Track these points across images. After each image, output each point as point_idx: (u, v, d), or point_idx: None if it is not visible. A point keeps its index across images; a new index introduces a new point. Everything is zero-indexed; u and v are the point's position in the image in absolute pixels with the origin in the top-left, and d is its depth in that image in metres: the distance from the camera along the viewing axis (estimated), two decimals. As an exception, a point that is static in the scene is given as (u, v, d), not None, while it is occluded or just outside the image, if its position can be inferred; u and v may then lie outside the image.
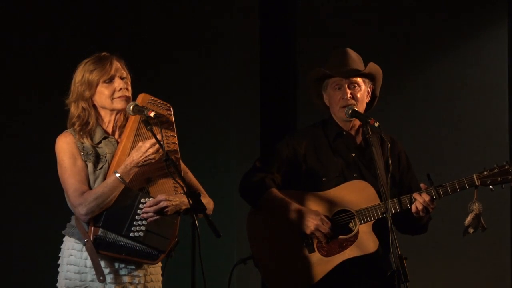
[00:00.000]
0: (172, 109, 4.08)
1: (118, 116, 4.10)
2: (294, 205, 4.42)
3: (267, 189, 4.45)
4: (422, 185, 4.43)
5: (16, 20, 5.89)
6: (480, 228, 4.42)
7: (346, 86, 4.49)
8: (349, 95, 4.47)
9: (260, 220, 4.51)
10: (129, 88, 4.09)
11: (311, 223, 4.37)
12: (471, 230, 4.44)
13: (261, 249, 4.48)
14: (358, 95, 4.50)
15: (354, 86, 4.51)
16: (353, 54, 4.56)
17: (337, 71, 4.50)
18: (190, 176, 4.22)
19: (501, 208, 6.48)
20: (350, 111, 4.44)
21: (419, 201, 4.37)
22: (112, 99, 4.04)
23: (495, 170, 4.38)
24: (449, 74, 6.62)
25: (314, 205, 4.44)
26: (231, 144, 6.26)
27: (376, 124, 4.30)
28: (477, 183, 4.37)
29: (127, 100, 4.05)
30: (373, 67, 4.54)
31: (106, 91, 4.04)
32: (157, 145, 3.93)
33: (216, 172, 6.09)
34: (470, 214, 4.41)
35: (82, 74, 4.04)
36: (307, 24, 6.51)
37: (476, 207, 4.40)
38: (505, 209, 6.56)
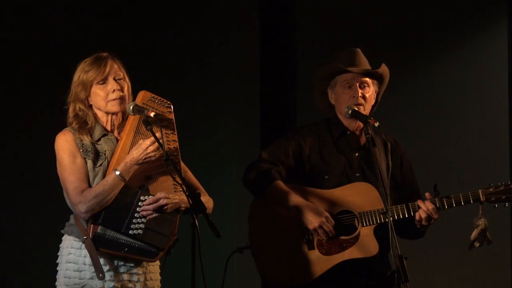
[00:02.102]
0: (172, 106, 4.08)
1: (114, 116, 4.09)
2: (300, 200, 4.41)
3: (273, 181, 4.45)
4: (427, 194, 4.43)
5: (17, 19, 5.89)
6: (486, 242, 4.43)
7: (357, 85, 4.49)
8: (360, 94, 4.47)
9: (262, 213, 4.51)
10: (125, 88, 4.07)
11: (315, 220, 4.37)
12: (476, 244, 4.45)
13: (260, 239, 4.47)
14: (367, 96, 4.50)
15: (364, 86, 4.50)
16: (362, 55, 4.56)
17: (354, 68, 4.49)
18: (190, 175, 4.22)
19: (501, 207, 6.47)
20: (350, 111, 4.44)
21: (423, 209, 4.37)
22: (107, 101, 4.03)
23: (501, 188, 4.39)
24: (449, 74, 6.62)
25: (317, 203, 4.44)
26: (231, 143, 6.26)
27: (376, 124, 4.30)
28: (482, 199, 4.38)
29: (121, 101, 4.04)
30: (385, 69, 4.55)
31: (101, 93, 4.03)
32: (157, 143, 3.92)
33: (216, 171, 6.08)
34: (476, 229, 4.42)
35: (79, 74, 4.04)
36: (307, 24, 6.51)
37: (481, 222, 4.41)
38: (505, 209, 6.55)
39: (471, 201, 4.38)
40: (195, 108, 6.11)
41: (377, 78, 4.55)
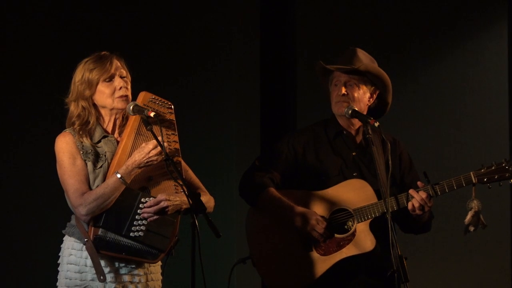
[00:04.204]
0: (173, 107, 4.07)
1: (118, 115, 4.08)
2: (291, 205, 4.42)
3: (265, 188, 4.46)
4: (419, 183, 4.44)
5: (16, 19, 5.89)
6: (480, 225, 4.42)
7: (343, 83, 4.50)
8: (343, 92, 4.48)
9: (258, 219, 4.52)
10: (129, 87, 4.08)
11: (306, 224, 4.38)
12: (471, 228, 4.44)
13: (259, 248, 4.49)
14: (355, 95, 4.50)
15: (352, 86, 4.51)
16: (361, 55, 4.55)
17: (332, 66, 4.51)
18: (191, 174, 4.21)
19: (501, 207, 6.48)
20: (350, 111, 4.45)
21: (416, 198, 4.37)
22: (113, 98, 4.03)
23: (493, 168, 4.39)
24: (449, 74, 6.62)
25: (312, 204, 4.45)
26: (232, 143, 6.26)
27: (376, 124, 4.30)
28: (474, 181, 4.37)
29: (127, 99, 4.04)
30: (370, 67, 4.53)
31: (107, 90, 4.02)
32: (159, 147, 3.91)
33: (216, 171, 6.09)
34: (469, 212, 4.41)
35: (82, 73, 4.02)
36: (307, 24, 6.51)
37: (474, 204, 4.40)
38: (505, 208, 6.56)
39: (464, 184, 4.37)
40: (195, 111, 6.11)
41: (370, 77, 4.54)
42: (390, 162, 4.33)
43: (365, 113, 4.52)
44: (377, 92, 4.58)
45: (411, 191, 4.39)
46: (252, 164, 4.59)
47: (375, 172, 4.28)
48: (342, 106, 4.47)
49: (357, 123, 4.55)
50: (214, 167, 6.10)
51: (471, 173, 4.38)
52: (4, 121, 5.82)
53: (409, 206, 4.38)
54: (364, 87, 4.53)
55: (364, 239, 4.39)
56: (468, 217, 4.41)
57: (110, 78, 4.03)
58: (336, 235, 4.41)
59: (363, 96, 4.53)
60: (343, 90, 4.48)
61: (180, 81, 6.18)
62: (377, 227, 4.40)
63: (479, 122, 6.60)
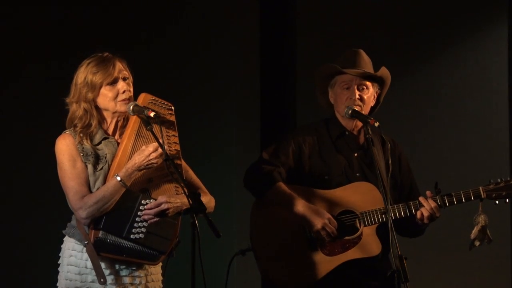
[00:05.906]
0: (173, 108, 4.07)
1: (120, 117, 4.07)
2: (302, 202, 4.41)
3: (275, 182, 4.45)
4: (428, 192, 4.44)
5: (16, 19, 5.89)
6: (486, 240, 4.43)
7: (355, 87, 4.50)
8: (357, 96, 4.48)
9: (264, 215, 4.51)
10: (131, 88, 4.07)
11: (318, 222, 4.38)
12: (477, 243, 4.45)
13: (262, 242, 4.48)
14: (365, 97, 4.52)
15: (363, 88, 4.52)
16: (365, 56, 4.57)
17: (350, 70, 4.50)
18: (191, 174, 4.21)
19: (501, 208, 6.48)
20: (350, 111, 4.45)
21: (426, 208, 4.38)
22: (116, 102, 4.02)
23: (501, 184, 4.41)
24: (449, 74, 6.62)
25: (319, 203, 4.44)
26: (232, 143, 6.26)
27: (376, 124, 4.31)
28: (483, 196, 4.40)
29: (130, 101, 4.03)
30: (385, 72, 4.56)
31: (110, 94, 4.00)
32: (160, 150, 3.91)
33: (216, 171, 6.08)
34: (476, 227, 4.42)
35: (84, 75, 3.99)
36: (307, 24, 6.50)
37: (481, 219, 4.41)
38: (505, 209, 6.56)
39: (472, 198, 4.40)
40: (195, 111, 6.11)
41: (377, 80, 4.56)
42: (390, 163, 4.34)
43: (367, 113, 4.54)
44: (378, 92, 4.60)
45: (421, 199, 4.40)
46: (260, 157, 4.58)
47: (377, 173, 4.28)
48: None
49: (359, 124, 4.55)
50: (214, 167, 6.09)
51: (481, 188, 4.40)
52: (4, 121, 5.82)
53: (418, 214, 4.40)
54: (372, 89, 4.55)
55: (370, 243, 4.40)
56: (474, 231, 4.42)
57: (114, 82, 4.01)
58: (344, 237, 4.41)
59: (370, 97, 4.55)
60: (357, 94, 4.49)
61: (180, 82, 6.17)
62: (381, 231, 4.40)
63: (478, 122, 6.60)
